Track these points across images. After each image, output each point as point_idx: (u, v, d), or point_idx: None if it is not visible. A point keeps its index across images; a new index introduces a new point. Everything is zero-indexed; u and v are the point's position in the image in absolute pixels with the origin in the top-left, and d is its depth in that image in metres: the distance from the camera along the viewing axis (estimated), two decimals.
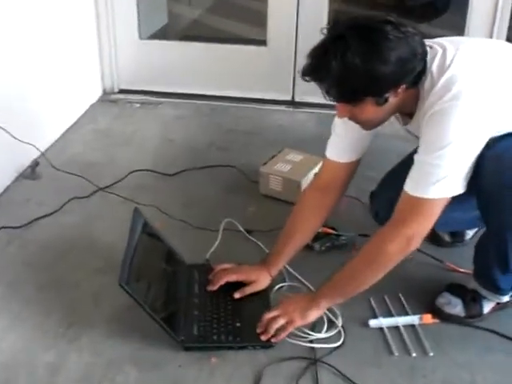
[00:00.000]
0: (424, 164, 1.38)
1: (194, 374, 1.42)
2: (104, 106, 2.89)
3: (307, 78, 1.36)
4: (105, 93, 3.00)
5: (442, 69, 1.36)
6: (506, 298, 1.61)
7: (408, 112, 1.47)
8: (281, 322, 1.48)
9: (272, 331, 1.47)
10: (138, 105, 2.91)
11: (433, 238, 1.91)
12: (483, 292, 1.59)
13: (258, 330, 1.48)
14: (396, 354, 1.49)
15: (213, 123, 2.76)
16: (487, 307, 1.60)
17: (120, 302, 1.57)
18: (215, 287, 1.61)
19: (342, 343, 1.51)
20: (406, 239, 1.41)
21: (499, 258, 1.48)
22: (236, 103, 2.93)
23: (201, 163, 2.35)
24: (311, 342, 1.51)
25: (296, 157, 2.21)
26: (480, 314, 1.60)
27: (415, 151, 1.60)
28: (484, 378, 1.44)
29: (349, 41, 1.28)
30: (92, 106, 2.88)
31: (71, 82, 2.66)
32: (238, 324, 1.51)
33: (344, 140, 1.61)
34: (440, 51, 1.39)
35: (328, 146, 1.67)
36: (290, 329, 1.48)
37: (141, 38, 2.97)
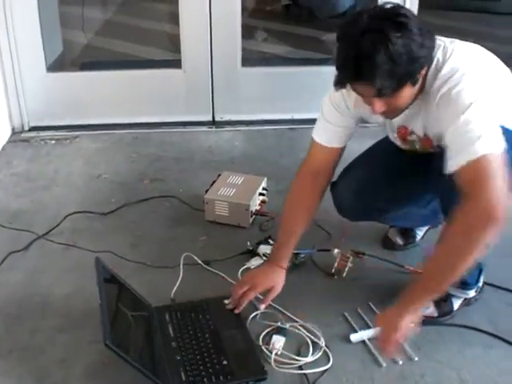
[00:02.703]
0: (456, 134, 1.35)
1: None
2: (16, 147, 2.70)
3: (343, 85, 1.36)
4: (14, 132, 2.81)
5: (445, 57, 1.41)
6: (472, 293, 1.70)
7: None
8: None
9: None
10: (53, 141, 2.75)
11: (386, 243, 1.98)
12: (451, 290, 1.65)
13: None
14: (384, 364, 1.51)
15: (138, 152, 2.66)
16: (456, 304, 1.68)
17: (92, 359, 1.49)
18: (239, 310, 1.63)
19: (331, 364, 1.51)
20: (490, 209, 1.27)
21: None
22: (157, 129, 2.86)
23: (136, 197, 2.27)
24: (300, 367, 1.49)
25: (237, 179, 2.18)
26: (451, 311, 1.68)
27: (376, 145, 1.65)
28: (469, 372, 1.50)
29: (387, 33, 1.27)
30: (3, 147, 2.69)
31: None
32: (224, 362, 1.47)
33: (335, 127, 1.64)
34: (440, 42, 1.43)
35: (317, 130, 1.68)
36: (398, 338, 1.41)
37: (48, 70, 2.80)
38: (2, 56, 2.67)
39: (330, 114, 1.64)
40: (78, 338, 1.57)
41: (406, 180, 1.69)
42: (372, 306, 1.69)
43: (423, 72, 1.39)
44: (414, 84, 1.38)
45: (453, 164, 1.35)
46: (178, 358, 1.48)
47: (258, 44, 3.68)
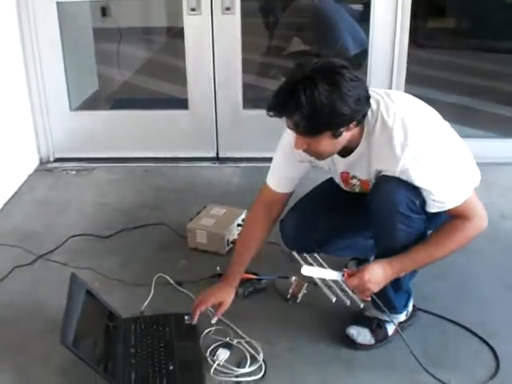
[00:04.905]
0: (436, 181, 1.60)
1: None
2: (41, 176, 3.09)
3: (272, 114, 1.54)
4: (41, 162, 3.20)
5: (387, 111, 1.61)
6: (402, 317, 1.88)
7: (350, 146, 1.68)
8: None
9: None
10: (74, 172, 3.12)
11: None
12: (384, 317, 1.84)
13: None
14: (309, 376, 1.73)
15: (146, 184, 2.99)
16: (390, 330, 1.86)
17: (65, 356, 1.70)
18: (195, 322, 1.87)
19: (264, 375, 1.73)
20: (482, 227, 1.67)
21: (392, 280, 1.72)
22: (167, 163, 3.18)
23: (133, 224, 2.57)
24: (237, 377, 1.73)
25: (219, 211, 2.45)
26: (386, 337, 1.86)
27: (321, 184, 1.93)
28: None
29: (315, 81, 1.48)
30: (30, 176, 3.07)
31: (9, 155, 2.85)
32: (170, 367, 1.72)
33: (282, 173, 1.86)
34: (379, 98, 1.64)
35: (269, 173, 1.89)
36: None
37: (71, 109, 3.20)
38: (32, 98, 3.10)
39: (281, 162, 1.85)
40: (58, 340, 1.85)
41: (345, 214, 1.90)
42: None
43: (352, 127, 1.58)
44: (335, 136, 1.57)
45: (449, 204, 1.62)
46: (133, 361, 1.74)
47: (267, 81, 3.93)
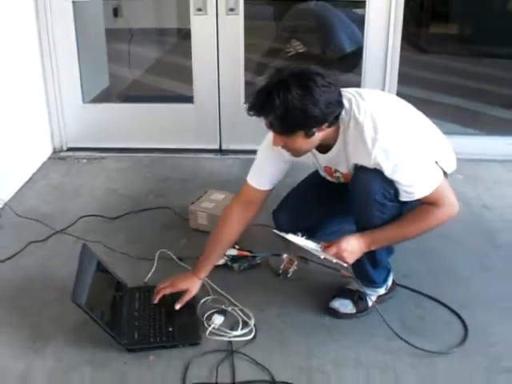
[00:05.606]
0: (407, 172, 1.76)
1: (136, 369, 1.80)
2: (54, 164, 3.30)
3: (252, 113, 1.70)
4: (55, 151, 3.42)
5: (358, 109, 1.78)
6: (382, 291, 2.06)
7: (328, 144, 1.86)
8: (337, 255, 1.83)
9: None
10: (85, 160, 3.33)
11: None
12: (364, 289, 2.02)
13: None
14: (296, 340, 1.91)
15: (152, 173, 3.19)
16: (370, 302, 2.03)
17: (76, 319, 1.93)
18: (156, 301, 2.00)
19: (254, 337, 1.92)
20: (453, 212, 1.82)
21: (369, 256, 1.92)
22: (172, 154, 3.38)
23: (140, 208, 2.77)
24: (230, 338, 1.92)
25: (219, 196, 2.65)
26: (366, 308, 2.04)
27: (308, 176, 2.06)
28: (366, 356, 1.86)
29: (289, 86, 1.64)
30: (44, 163, 3.29)
31: (24, 143, 3.06)
32: (170, 328, 1.91)
33: (264, 171, 2.01)
34: (351, 97, 1.82)
35: (250, 172, 2.03)
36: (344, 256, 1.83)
37: (84, 101, 3.41)
38: (47, 91, 3.31)
39: (261, 158, 2.01)
40: (69, 305, 1.99)
41: (332, 203, 2.10)
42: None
43: (324, 127, 1.74)
44: (308, 136, 1.73)
45: (417, 195, 1.78)
46: (136, 323, 1.94)
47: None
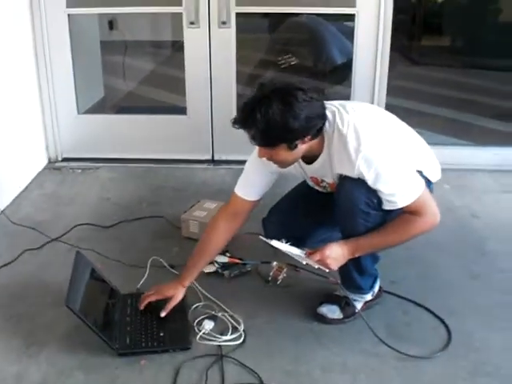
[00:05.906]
0: (390, 182, 1.80)
1: (127, 373, 1.84)
2: (49, 174, 3.36)
3: (237, 126, 1.76)
4: (50, 161, 3.47)
5: (342, 121, 1.82)
6: (369, 297, 2.11)
7: (313, 155, 1.90)
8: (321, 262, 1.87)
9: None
10: (80, 170, 3.38)
11: None
12: (351, 295, 2.07)
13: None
14: (284, 345, 1.95)
15: (145, 183, 3.24)
16: (358, 307, 2.07)
17: (69, 325, 1.98)
18: (142, 307, 2.04)
19: (243, 341, 1.96)
20: (435, 222, 1.85)
21: (355, 264, 1.97)
22: (166, 164, 3.44)
23: (132, 216, 2.82)
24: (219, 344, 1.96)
25: (211, 205, 2.70)
26: (354, 313, 2.08)
27: (296, 186, 2.10)
28: (353, 361, 1.90)
29: (271, 101, 1.69)
30: (39, 173, 3.34)
31: (20, 153, 3.11)
32: (161, 333, 1.96)
33: (251, 182, 2.05)
34: (335, 110, 1.87)
35: (238, 183, 2.07)
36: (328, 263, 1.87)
37: (79, 112, 3.47)
38: (42, 102, 3.37)
39: (249, 169, 2.05)
40: (62, 311, 2.01)
41: (321, 212, 2.13)
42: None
43: (307, 140, 1.79)
44: (290, 148, 1.78)
45: (399, 204, 1.82)
46: (128, 328, 1.98)
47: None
